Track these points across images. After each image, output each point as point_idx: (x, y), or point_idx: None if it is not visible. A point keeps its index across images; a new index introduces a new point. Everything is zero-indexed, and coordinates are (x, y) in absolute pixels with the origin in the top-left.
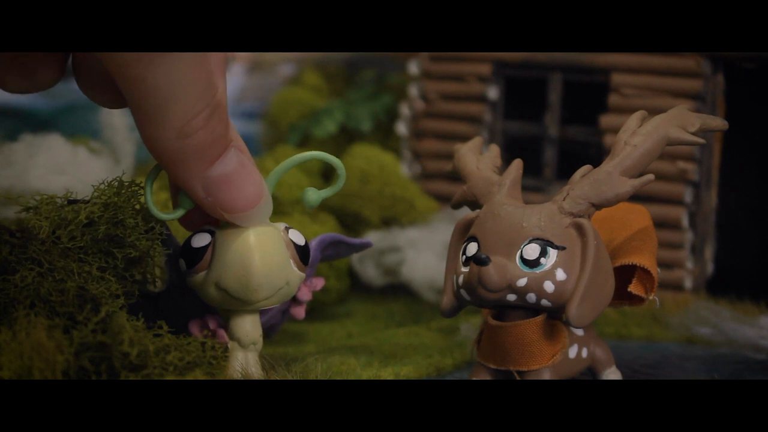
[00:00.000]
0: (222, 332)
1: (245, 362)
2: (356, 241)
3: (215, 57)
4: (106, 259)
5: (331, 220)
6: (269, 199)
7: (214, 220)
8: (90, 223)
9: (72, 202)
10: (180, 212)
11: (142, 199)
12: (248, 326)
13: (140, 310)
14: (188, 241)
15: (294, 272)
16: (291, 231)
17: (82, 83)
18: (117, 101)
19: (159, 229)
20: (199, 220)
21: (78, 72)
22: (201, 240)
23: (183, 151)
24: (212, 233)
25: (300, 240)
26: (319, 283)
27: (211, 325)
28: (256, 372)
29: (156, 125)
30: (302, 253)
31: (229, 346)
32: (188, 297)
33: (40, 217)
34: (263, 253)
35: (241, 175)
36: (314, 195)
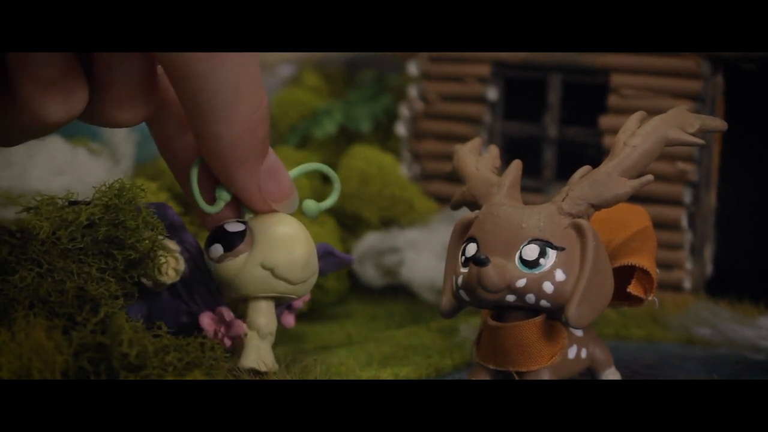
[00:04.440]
0: (239, 322)
1: (263, 352)
2: (344, 257)
3: None
4: (106, 260)
5: (330, 221)
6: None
7: (232, 216)
8: (90, 225)
9: (73, 203)
10: (221, 205)
11: (143, 201)
12: (268, 316)
13: (140, 308)
14: (221, 228)
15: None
16: None
17: (101, 100)
18: (135, 117)
19: (160, 231)
20: (217, 218)
21: (101, 88)
22: (235, 226)
23: (250, 145)
24: (243, 222)
25: None
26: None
27: (227, 316)
28: (270, 362)
29: (223, 122)
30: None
31: (248, 335)
32: (196, 292)
33: (40, 218)
34: (304, 235)
35: (280, 166)
36: (314, 206)
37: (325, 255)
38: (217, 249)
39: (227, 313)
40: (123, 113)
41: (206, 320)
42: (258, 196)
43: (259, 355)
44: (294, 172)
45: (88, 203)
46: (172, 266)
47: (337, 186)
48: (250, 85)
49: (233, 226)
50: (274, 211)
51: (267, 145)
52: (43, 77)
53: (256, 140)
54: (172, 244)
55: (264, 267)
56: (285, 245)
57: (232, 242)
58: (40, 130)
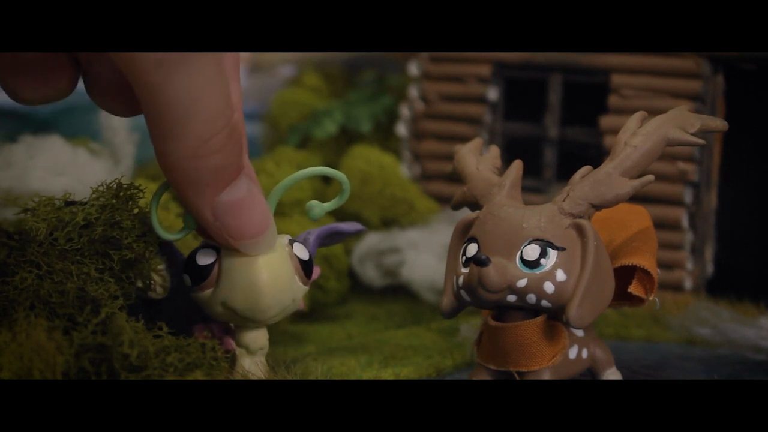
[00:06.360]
0: (229, 339)
1: (255, 366)
2: (351, 229)
3: (230, 64)
4: (103, 260)
5: (330, 221)
6: (275, 227)
7: None
8: (87, 225)
9: (69, 203)
10: (185, 233)
11: (141, 202)
12: (254, 335)
13: (141, 313)
14: (193, 257)
15: (299, 287)
16: (295, 245)
17: (91, 89)
18: (127, 109)
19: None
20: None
21: (88, 78)
22: (206, 257)
23: (196, 173)
24: (217, 250)
25: (304, 254)
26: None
27: (216, 331)
28: (264, 376)
29: (171, 141)
30: (306, 267)
31: (237, 352)
32: (191, 303)
33: (37, 219)
34: (271, 273)
35: (250, 203)
36: (318, 208)
37: (331, 235)
38: (187, 279)
39: (217, 329)
40: (108, 104)
41: (198, 333)
42: (213, 226)
43: (250, 370)
44: (299, 175)
45: (85, 203)
46: (159, 283)
47: (345, 188)
48: (204, 109)
49: (204, 257)
50: (240, 247)
51: (226, 176)
52: (22, 58)
53: (205, 169)
54: (158, 262)
55: (225, 307)
56: (246, 289)
57: (197, 277)
58: (17, 102)
